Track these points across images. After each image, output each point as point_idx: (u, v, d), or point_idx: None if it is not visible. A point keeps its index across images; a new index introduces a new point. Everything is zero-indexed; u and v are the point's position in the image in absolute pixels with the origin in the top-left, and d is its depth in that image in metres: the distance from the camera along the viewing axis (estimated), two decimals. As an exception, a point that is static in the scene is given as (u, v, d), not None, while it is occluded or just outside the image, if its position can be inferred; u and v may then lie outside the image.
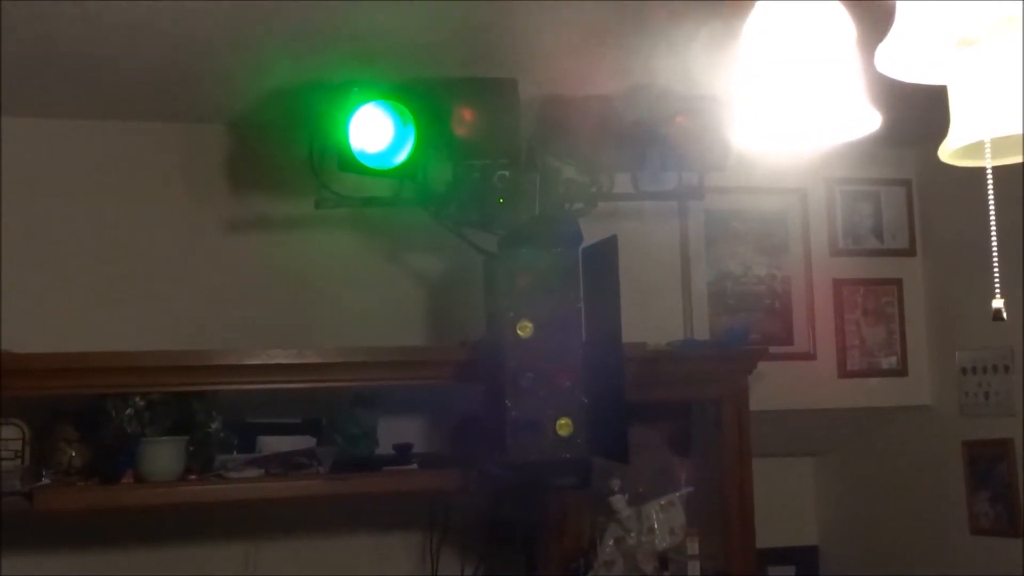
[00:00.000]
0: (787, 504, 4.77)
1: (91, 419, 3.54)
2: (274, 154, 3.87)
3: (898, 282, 4.60)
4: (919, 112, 1.44)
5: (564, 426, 3.29)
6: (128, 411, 3.46)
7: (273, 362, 3.55)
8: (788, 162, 4.36)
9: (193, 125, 3.94)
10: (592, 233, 3.43)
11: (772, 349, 4.16)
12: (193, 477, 3.52)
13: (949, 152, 1.48)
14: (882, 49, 1.28)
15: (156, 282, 3.89)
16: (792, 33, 1.40)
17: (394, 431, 3.86)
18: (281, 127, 3.77)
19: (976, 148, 1.47)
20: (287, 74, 3.46)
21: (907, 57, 1.27)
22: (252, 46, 3.24)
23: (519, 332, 3.26)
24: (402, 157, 3.23)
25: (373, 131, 3.19)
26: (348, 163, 3.17)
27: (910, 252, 4.62)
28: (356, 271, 3.95)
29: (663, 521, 3.87)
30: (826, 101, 1.41)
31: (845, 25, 1.43)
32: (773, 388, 4.18)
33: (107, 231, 3.89)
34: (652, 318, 4.02)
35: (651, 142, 3.43)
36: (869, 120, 1.45)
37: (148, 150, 3.94)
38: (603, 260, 3.30)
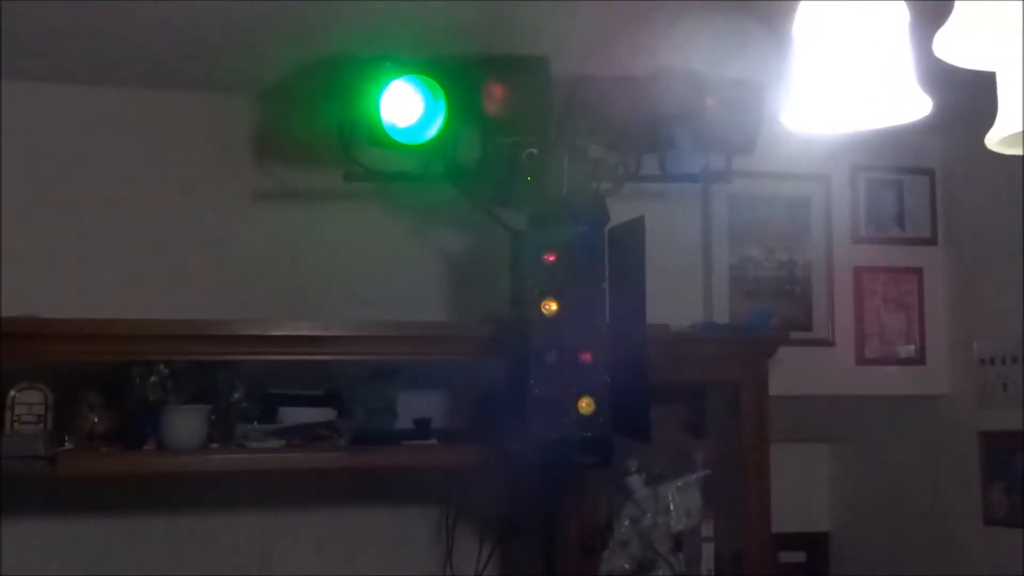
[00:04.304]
0: (800, 490, 4.74)
1: (115, 386, 3.55)
2: (301, 126, 3.86)
3: (919, 271, 4.58)
4: (946, 101, 1.44)
5: (587, 405, 3.28)
6: (152, 379, 3.47)
7: (297, 334, 3.55)
8: (813, 148, 4.39)
9: (220, 95, 3.93)
10: (617, 214, 3.43)
11: (791, 335, 4.14)
12: (215, 446, 3.53)
13: (996, 140, 1.48)
14: (941, 35, 1.28)
15: (181, 251, 3.90)
16: (845, 16, 1.40)
17: (414, 406, 3.86)
18: (309, 99, 3.77)
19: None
20: (316, 47, 3.46)
21: (966, 44, 1.27)
22: (281, 18, 3.24)
23: (543, 310, 3.26)
24: (432, 132, 3.23)
25: (404, 106, 3.20)
26: (378, 137, 3.18)
27: (931, 241, 4.60)
28: (382, 245, 3.95)
29: (679, 503, 3.87)
30: (877, 84, 1.40)
31: (898, 8, 1.43)
32: (790, 374, 4.15)
33: (135, 200, 3.89)
34: (673, 301, 3.98)
35: (680, 124, 3.41)
36: (920, 104, 1.44)
37: (175, 119, 3.94)
38: (630, 240, 3.29)
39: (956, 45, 1.27)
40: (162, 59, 3.66)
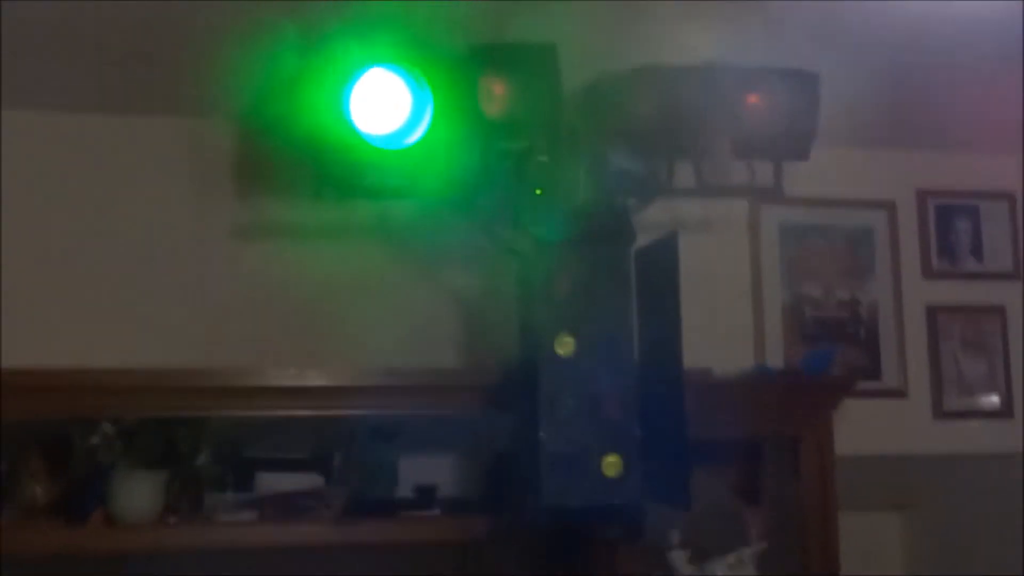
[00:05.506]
0: (869, 565, 4.27)
1: (60, 449, 3.17)
2: (284, 152, 3.46)
3: (1001, 309, 4.25)
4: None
5: (612, 464, 2.87)
6: (94, 439, 3.04)
7: (274, 384, 3.21)
8: (876, 171, 3.99)
9: (197, 120, 3.65)
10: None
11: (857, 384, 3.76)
12: (173, 519, 3.12)
13: None
14: None
15: (153, 292, 3.60)
16: None
17: (416, 470, 3.50)
18: (291, 121, 3.38)
19: None
20: (293, 59, 3.08)
21: None
22: (257, 35, 2.96)
23: (558, 349, 2.87)
24: (417, 136, 2.76)
25: (382, 103, 2.72)
26: (349, 141, 2.70)
27: (1014, 275, 4.26)
28: (376, 282, 3.60)
29: (732, 582, 3.54)
30: None
31: None
32: (856, 429, 3.80)
33: (100, 234, 3.60)
34: (717, 343, 3.69)
35: (718, 126, 2.97)
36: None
37: (148, 147, 3.66)
38: (661, 263, 2.88)
39: None
40: (133, 83, 3.44)
